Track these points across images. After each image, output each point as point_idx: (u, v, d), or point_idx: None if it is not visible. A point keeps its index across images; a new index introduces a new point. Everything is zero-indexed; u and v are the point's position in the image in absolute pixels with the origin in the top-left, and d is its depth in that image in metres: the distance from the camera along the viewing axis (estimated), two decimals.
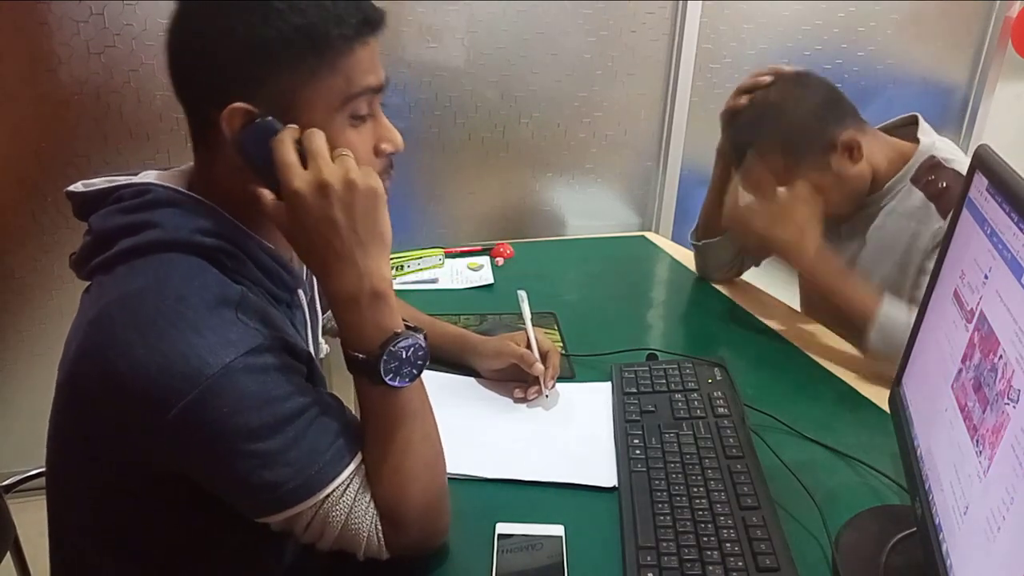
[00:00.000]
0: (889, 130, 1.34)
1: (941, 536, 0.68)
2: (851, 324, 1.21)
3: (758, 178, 1.27)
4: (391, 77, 0.79)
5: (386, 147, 0.78)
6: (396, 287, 1.46)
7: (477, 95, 1.93)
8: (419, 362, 0.74)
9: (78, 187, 0.77)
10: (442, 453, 0.79)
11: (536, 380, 1.07)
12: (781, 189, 1.24)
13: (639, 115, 2.10)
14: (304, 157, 0.69)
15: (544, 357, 1.09)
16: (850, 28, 2.14)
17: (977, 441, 0.64)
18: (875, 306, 1.16)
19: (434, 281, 1.51)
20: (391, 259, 1.49)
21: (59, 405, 0.75)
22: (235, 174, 0.73)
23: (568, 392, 1.12)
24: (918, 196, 1.24)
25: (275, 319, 0.74)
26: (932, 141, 1.27)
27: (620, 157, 2.13)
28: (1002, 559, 0.56)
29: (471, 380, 1.13)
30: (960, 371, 0.72)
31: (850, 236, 1.33)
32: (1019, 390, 0.57)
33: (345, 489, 0.72)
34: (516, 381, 1.10)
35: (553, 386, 1.09)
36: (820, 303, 1.35)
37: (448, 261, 1.59)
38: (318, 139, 0.70)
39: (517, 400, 1.09)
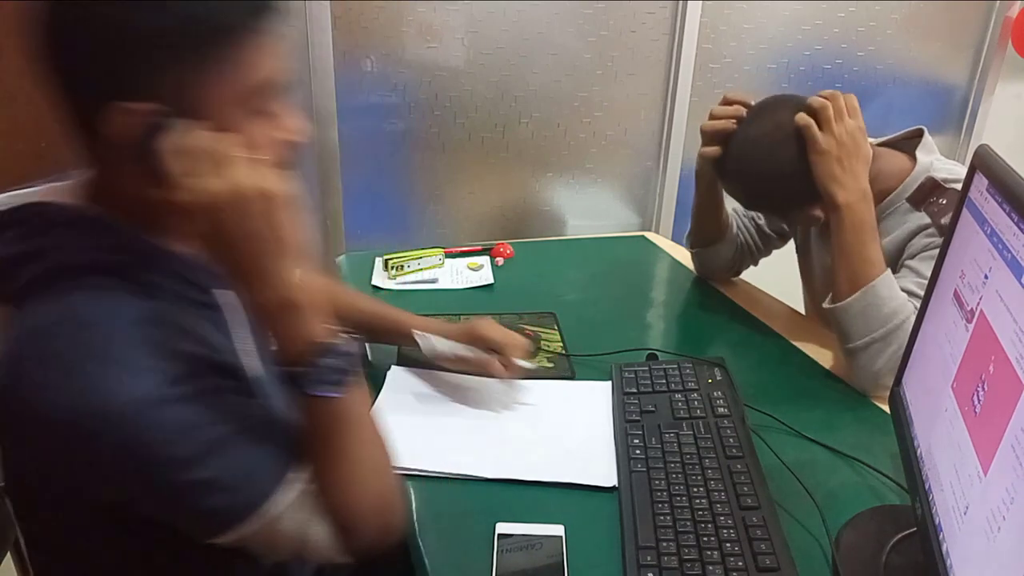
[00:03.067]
0: (892, 143, 1.32)
1: (941, 536, 0.68)
2: (847, 274, 1.15)
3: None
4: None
5: (288, 137, 0.73)
6: (396, 287, 1.46)
7: (477, 95, 1.93)
8: (348, 370, 0.71)
9: None
10: (388, 454, 0.77)
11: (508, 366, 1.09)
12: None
13: (639, 115, 2.10)
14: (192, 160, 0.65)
15: (499, 345, 1.09)
16: (850, 28, 2.14)
17: (977, 441, 0.64)
18: (882, 268, 1.14)
19: (434, 281, 1.51)
20: (391, 259, 1.51)
21: None
22: (131, 179, 0.67)
23: (568, 392, 1.12)
24: (917, 217, 1.22)
25: (195, 331, 0.70)
26: (930, 161, 1.25)
27: (620, 157, 2.13)
28: (1002, 559, 0.56)
29: (471, 380, 1.13)
30: (960, 371, 0.72)
31: None
32: (1019, 390, 0.57)
33: (288, 502, 0.70)
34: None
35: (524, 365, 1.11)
36: (822, 288, 1.30)
37: (448, 261, 1.59)
38: (203, 141, 0.65)
39: (503, 386, 1.10)
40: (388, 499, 0.76)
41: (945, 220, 1.18)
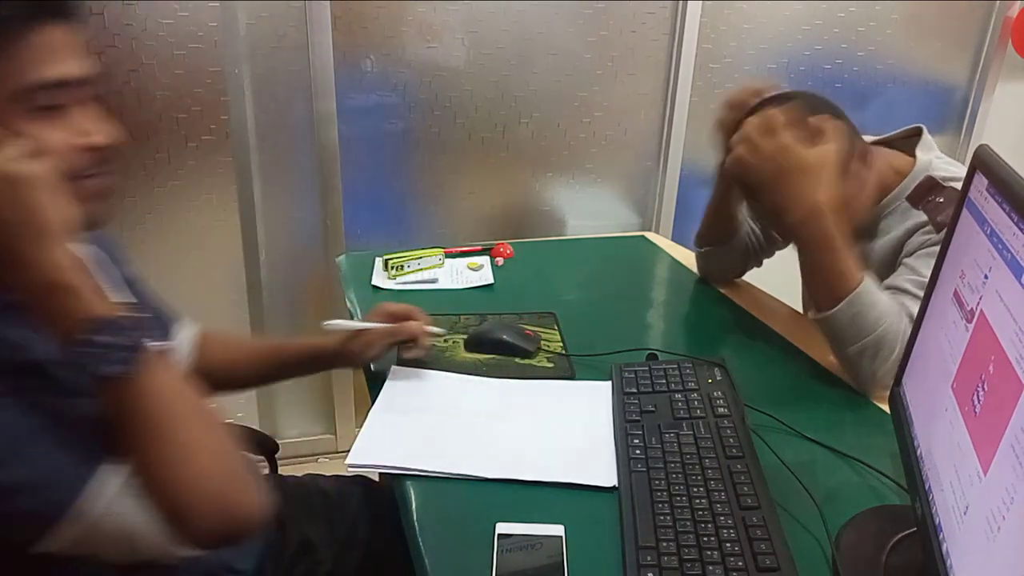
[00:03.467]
0: (891, 141, 1.32)
1: (941, 536, 0.68)
2: (822, 289, 1.13)
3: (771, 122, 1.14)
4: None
5: (82, 141, 0.71)
6: (396, 287, 1.46)
7: (477, 95, 1.94)
8: (133, 345, 0.66)
9: None
10: (217, 432, 0.72)
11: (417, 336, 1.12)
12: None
13: (639, 115, 2.10)
14: None
15: (405, 316, 1.12)
16: (850, 28, 2.15)
17: (977, 441, 0.64)
18: (859, 279, 1.12)
19: (434, 281, 1.51)
20: (392, 259, 1.50)
21: None
22: None
23: (568, 392, 1.12)
24: (916, 215, 1.22)
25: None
26: (929, 159, 1.24)
27: (620, 157, 2.14)
28: (1002, 559, 0.56)
29: (471, 380, 1.13)
30: (960, 371, 0.72)
31: None
32: (1019, 390, 0.57)
33: (107, 497, 0.67)
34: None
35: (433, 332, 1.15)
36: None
37: (448, 261, 1.59)
38: None
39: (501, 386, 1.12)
40: (224, 480, 0.70)
41: (942, 218, 1.17)
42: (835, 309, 1.11)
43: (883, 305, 1.12)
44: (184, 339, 1.06)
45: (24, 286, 0.64)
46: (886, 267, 1.25)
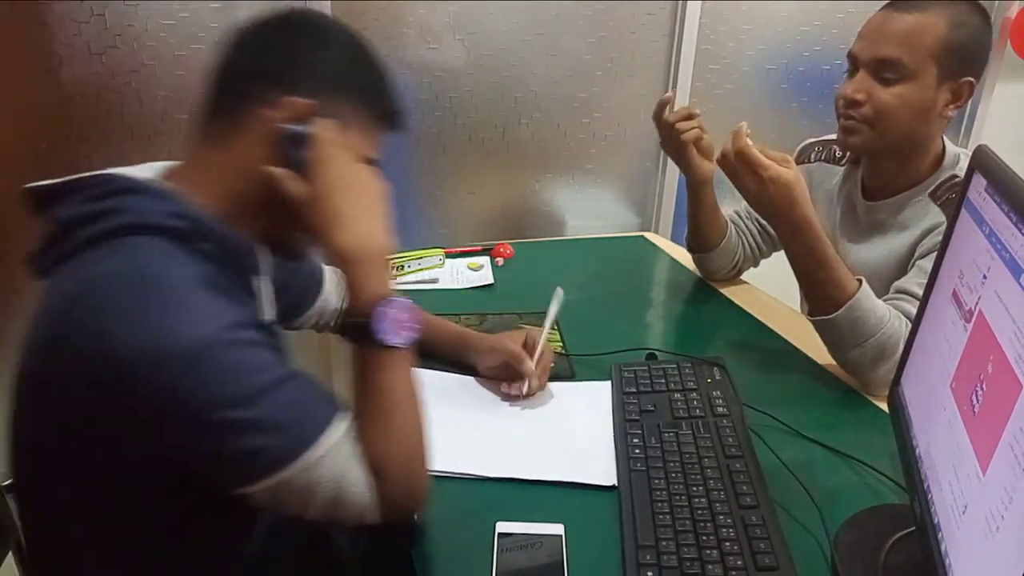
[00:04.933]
0: None
1: (940, 535, 0.69)
2: (820, 297, 1.14)
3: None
4: (391, 77, 0.83)
5: None
6: (397, 287, 1.46)
7: (477, 96, 1.94)
8: (409, 324, 0.79)
9: (38, 184, 0.78)
10: (422, 417, 0.81)
11: (523, 377, 1.07)
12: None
13: (639, 115, 2.10)
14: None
15: (538, 358, 1.09)
16: (850, 28, 2.15)
17: (976, 441, 0.64)
18: (855, 286, 1.12)
19: (434, 281, 1.51)
20: (393, 259, 1.50)
21: (28, 404, 0.75)
22: (249, 159, 0.77)
23: (568, 392, 1.12)
24: (935, 215, 1.22)
25: (242, 298, 0.77)
26: (957, 154, 1.24)
27: (620, 157, 2.14)
28: (1001, 558, 0.56)
29: (471, 380, 1.13)
30: (959, 371, 0.72)
31: (860, 242, 1.33)
32: (1017, 390, 0.58)
33: (333, 449, 0.73)
34: (511, 380, 1.10)
35: (543, 386, 1.10)
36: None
37: (448, 261, 1.59)
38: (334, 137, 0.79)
39: (504, 395, 1.09)
40: (418, 458, 0.80)
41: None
42: (835, 314, 1.12)
43: (882, 309, 1.12)
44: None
45: (355, 247, 0.76)
46: (900, 266, 1.25)
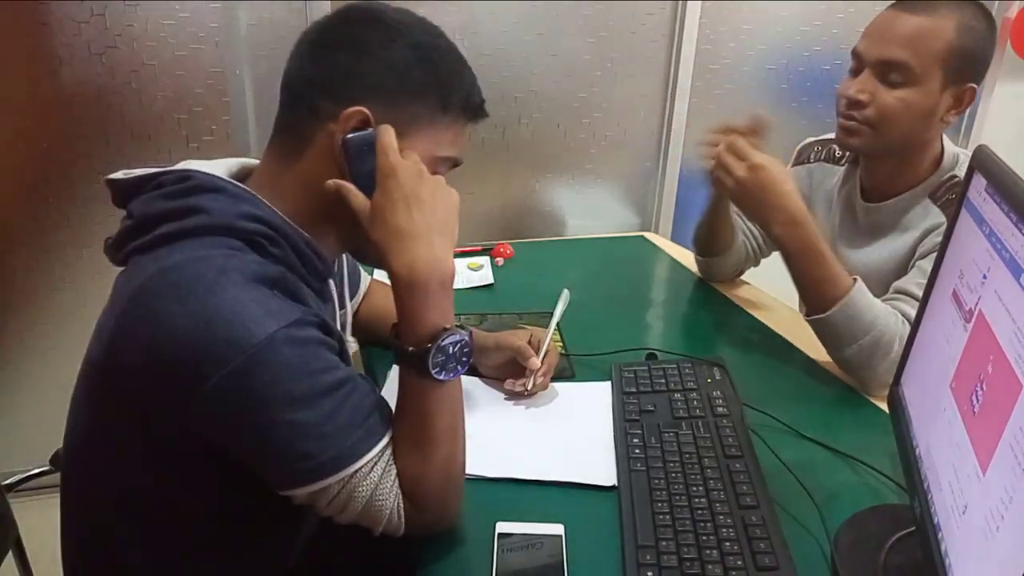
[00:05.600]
0: None
1: (940, 535, 0.69)
2: (814, 295, 1.15)
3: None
4: (464, 67, 0.85)
5: None
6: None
7: None
8: (464, 359, 0.77)
9: (118, 175, 0.79)
10: (464, 445, 0.81)
11: (528, 374, 1.07)
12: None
13: (639, 115, 2.10)
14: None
15: (543, 356, 1.09)
16: (850, 29, 2.15)
17: (976, 441, 0.64)
18: (849, 283, 1.13)
19: None
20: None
21: (91, 388, 0.76)
22: (317, 170, 0.77)
23: (568, 392, 1.12)
24: (935, 216, 1.21)
25: (311, 302, 0.77)
26: (956, 153, 1.24)
27: (620, 157, 2.14)
28: (1001, 558, 0.56)
29: (471, 380, 1.13)
30: (959, 371, 0.72)
31: (860, 244, 1.32)
32: (1017, 390, 0.58)
33: (374, 465, 0.74)
34: (514, 378, 1.10)
35: (545, 387, 1.09)
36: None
37: None
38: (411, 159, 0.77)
39: (507, 393, 1.09)
40: (455, 483, 0.80)
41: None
42: (830, 312, 1.12)
43: (879, 307, 1.12)
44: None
45: (421, 272, 0.73)
46: (900, 268, 1.25)
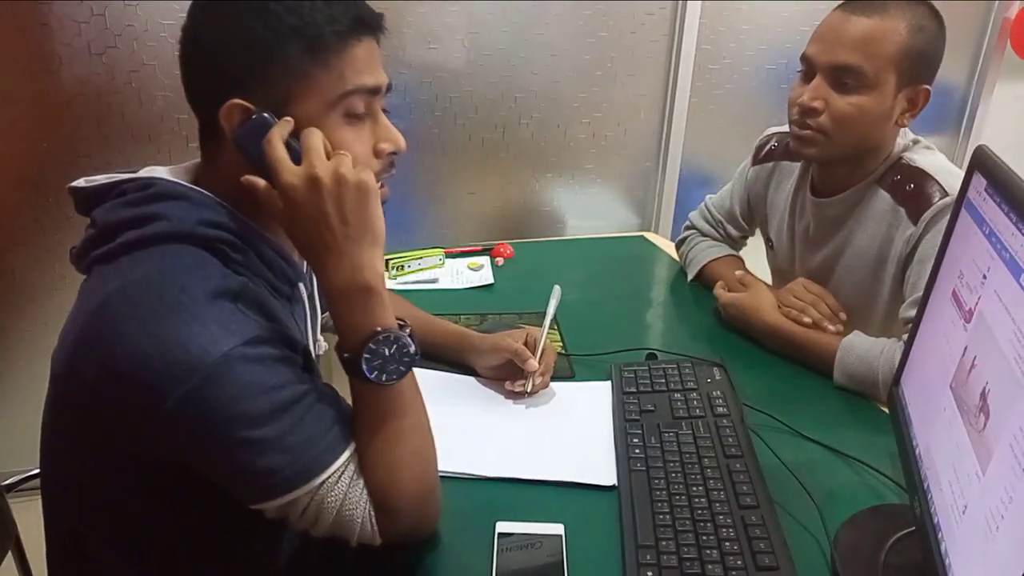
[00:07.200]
0: None
1: (940, 535, 0.69)
2: (818, 366, 1.19)
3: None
4: (392, 78, 0.80)
5: (385, 147, 0.79)
6: (397, 287, 1.47)
7: (477, 96, 1.93)
8: (405, 359, 0.75)
9: (80, 183, 0.78)
10: (432, 443, 0.80)
11: (526, 376, 1.07)
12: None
13: (639, 115, 2.10)
14: (299, 153, 0.71)
15: (540, 356, 1.09)
16: None
17: (976, 441, 0.64)
18: (835, 349, 1.16)
19: (434, 281, 1.51)
20: (392, 259, 1.51)
21: (55, 396, 0.76)
22: (236, 169, 0.74)
23: (568, 392, 1.12)
24: (884, 198, 1.21)
25: (275, 311, 0.75)
26: (906, 143, 1.23)
27: (620, 157, 2.14)
28: (1001, 558, 0.56)
29: (471, 380, 1.13)
30: (958, 371, 0.72)
31: (820, 244, 1.32)
32: (1017, 390, 0.58)
33: (340, 476, 0.73)
34: (512, 379, 1.10)
35: (545, 385, 1.10)
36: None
37: (448, 261, 1.59)
38: (313, 136, 0.72)
39: (507, 393, 1.09)
40: (427, 488, 0.79)
41: (908, 197, 1.17)
42: (836, 379, 1.16)
43: (875, 349, 1.13)
44: None
45: (338, 284, 0.72)
46: (869, 270, 1.25)
